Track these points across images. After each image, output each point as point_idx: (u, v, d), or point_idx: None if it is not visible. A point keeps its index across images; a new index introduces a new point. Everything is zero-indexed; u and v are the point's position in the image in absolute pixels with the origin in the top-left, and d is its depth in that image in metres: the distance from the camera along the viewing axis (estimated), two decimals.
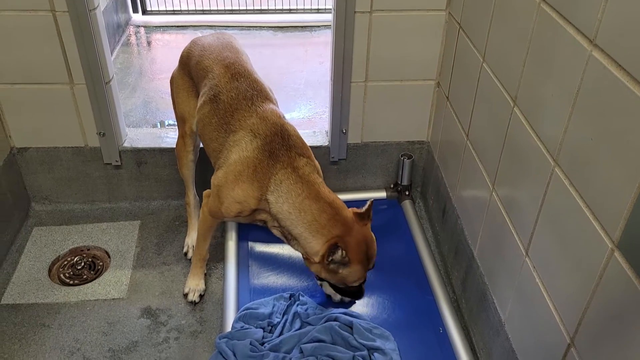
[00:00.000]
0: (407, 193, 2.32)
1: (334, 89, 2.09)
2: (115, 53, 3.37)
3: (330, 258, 1.50)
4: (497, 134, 1.53)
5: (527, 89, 1.35)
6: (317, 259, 1.54)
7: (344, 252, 1.49)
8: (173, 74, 1.99)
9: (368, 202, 1.58)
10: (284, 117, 1.71)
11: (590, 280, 1.07)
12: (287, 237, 1.61)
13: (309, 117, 2.81)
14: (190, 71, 1.88)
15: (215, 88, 1.73)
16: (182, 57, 1.94)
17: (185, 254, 2.08)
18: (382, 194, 2.34)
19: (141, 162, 2.24)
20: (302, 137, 1.69)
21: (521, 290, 1.40)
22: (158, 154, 2.22)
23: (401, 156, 2.26)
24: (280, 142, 1.60)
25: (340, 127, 2.19)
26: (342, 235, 1.52)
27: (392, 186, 2.36)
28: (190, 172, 2.06)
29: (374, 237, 1.60)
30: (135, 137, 2.26)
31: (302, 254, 1.60)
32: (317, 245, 1.53)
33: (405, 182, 2.30)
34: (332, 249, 1.49)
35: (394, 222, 2.22)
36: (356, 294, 1.72)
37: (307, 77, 3.20)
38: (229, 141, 1.65)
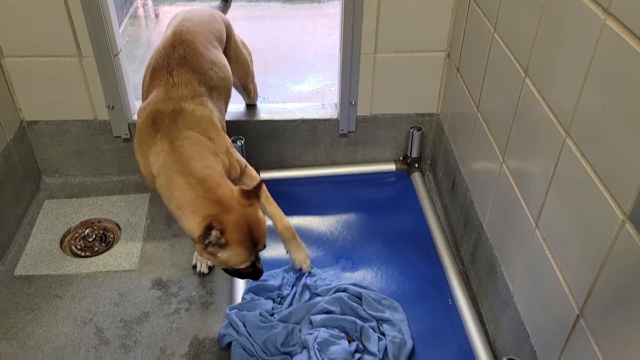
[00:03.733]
0: (416, 165, 2.31)
1: (343, 61, 2.07)
2: (123, 26, 3.35)
3: (207, 240, 1.37)
4: (508, 106, 1.51)
5: (538, 59, 1.33)
6: (195, 239, 1.41)
7: (218, 232, 1.36)
8: None
9: (256, 181, 1.46)
10: (196, 95, 1.58)
11: (600, 251, 1.07)
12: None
13: (317, 89, 2.79)
14: None
15: (155, 53, 1.68)
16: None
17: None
18: (392, 167, 2.34)
19: None
20: (211, 119, 1.58)
21: (530, 261, 1.40)
22: None
23: (410, 128, 2.24)
24: (169, 113, 1.51)
25: (350, 100, 2.17)
26: (217, 215, 1.38)
27: (401, 159, 2.35)
28: None
29: (261, 217, 1.47)
30: None
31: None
32: (191, 224, 1.41)
33: (414, 155, 2.29)
34: (207, 230, 1.35)
35: (403, 194, 2.22)
36: (251, 274, 1.55)
37: (316, 49, 3.17)
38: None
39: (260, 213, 1.48)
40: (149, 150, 1.49)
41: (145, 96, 1.66)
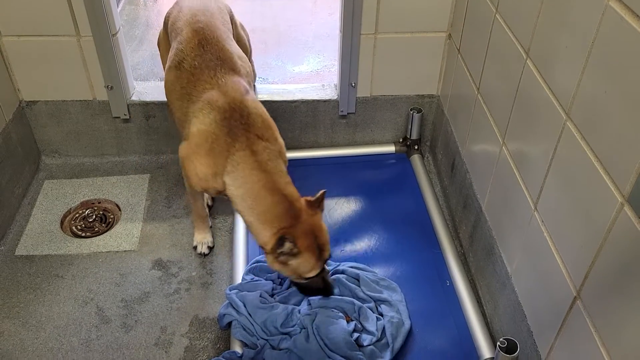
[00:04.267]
0: (416, 147, 2.31)
1: (343, 42, 2.06)
2: (121, 5, 3.32)
3: (280, 250, 1.43)
4: (509, 87, 1.50)
5: (540, 40, 1.32)
6: (267, 250, 1.47)
7: (291, 243, 1.42)
8: (159, 35, 1.96)
9: (320, 192, 1.51)
10: (247, 91, 1.60)
11: (598, 234, 1.08)
12: (246, 223, 1.55)
13: (317, 70, 2.78)
14: (169, 32, 1.81)
15: (180, 53, 1.65)
16: (165, 17, 1.87)
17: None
18: (391, 148, 2.33)
19: (150, 115, 2.24)
20: (265, 115, 1.60)
21: (529, 243, 1.41)
22: (166, 107, 2.21)
23: (410, 110, 2.24)
24: (239, 119, 1.51)
25: (350, 81, 2.16)
26: (289, 227, 1.44)
27: (401, 140, 2.35)
28: None
29: (324, 227, 1.52)
30: (144, 90, 2.25)
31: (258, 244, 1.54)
32: (265, 236, 1.47)
33: (414, 136, 2.29)
34: (280, 241, 1.42)
35: (403, 176, 2.22)
36: (322, 290, 1.60)
37: (316, 30, 3.15)
38: (189, 112, 1.58)
39: (323, 222, 1.53)
40: (224, 158, 1.49)
41: (179, 99, 1.62)
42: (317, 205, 1.51)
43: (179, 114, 1.65)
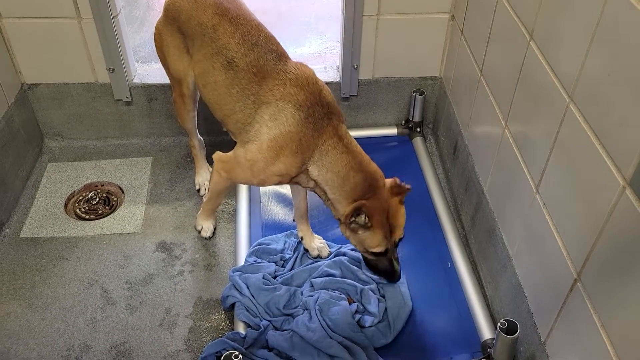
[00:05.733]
0: (418, 130, 2.30)
1: (345, 23, 2.04)
2: None
3: (353, 219, 1.46)
4: (512, 70, 1.50)
5: (544, 22, 1.31)
6: (342, 219, 1.51)
7: (366, 217, 1.45)
8: (158, 29, 1.78)
9: (406, 186, 1.53)
10: (314, 74, 1.55)
11: (599, 216, 1.08)
12: (322, 197, 1.58)
13: (319, 52, 2.76)
14: (180, 27, 1.69)
15: (226, 52, 1.56)
16: (168, 10, 1.72)
17: (198, 190, 2.11)
18: (393, 131, 2.33)
19: (152, 98, 2.23)
20: (332, 94, 1.57)
21: (530, 226, 1.42)
22: (168, 90, 2.21)
23: (413, 92, 2.23)
24: (321, 111, 1.49)
25: (352, 63, 2.15)
26: (368, 200, 1.47)
27: (403, 123, 2.34)
28: (193, 124, 1.99)
29: (402, 210, 1.53)
30: (145, 73, 2.24)
31: (334, 214, 1.57)
32: (344, 207, 1.50)
33: (416, 119, 2.28)
34: (356, 212, 1.45)
35: (405, 158, 2.22)
36: (387, 273, 1.59)
37: (318, 11, 3.12)
38: (260, 114, 1.51)
39: (403, 207, 1.53)
40: (312, 151, 1.48)
41: (239, 101, 1.55)
42: (401, 191, 1.52)
43: (240, 115, 1.56)
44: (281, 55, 1.57)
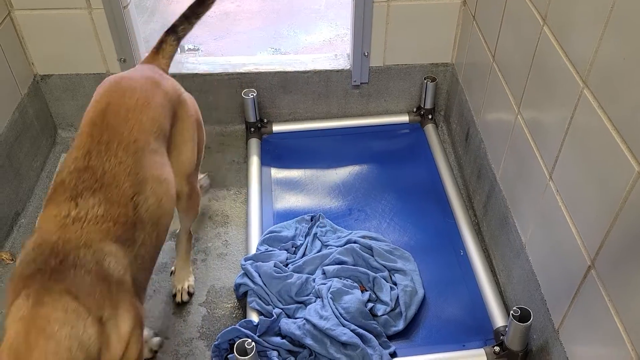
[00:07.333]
0: (430, 117, 2.29)
1: (356, 10, 2.03)
2: None
3: None
4: (525, 55, 1.48)
5: (557, 6, 1.29)
6: None
7: None
8: None
9: None
10: (111, 241, 1.14)
11: (614, 203, 1.07)
12: None
13: (330, 39, 2.75)
14: None
15: (67, 157, 1.25)
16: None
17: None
18: (405, 118, 2.32)
19: None
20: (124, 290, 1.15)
21: (543, 213, 1.41)
22: (179, 80, 2.19)
23: (424, 79, 2.21)
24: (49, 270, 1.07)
25: (362, 50, 2.14)
26: None
27: (414, 110, 2.33)
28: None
29: None
30: None
31: None
32: None
33: (428, 106, 2.27)
34: None
35: (417, 146, 2.21)
36: None
37: None
38: None
39: None
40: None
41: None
42: None
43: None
44: (99, 194, 1.16)
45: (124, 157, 1.20)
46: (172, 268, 1.78)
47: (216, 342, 1.54)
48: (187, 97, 1.50)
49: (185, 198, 1.52)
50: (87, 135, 1.23)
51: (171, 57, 1.57)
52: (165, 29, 1.56)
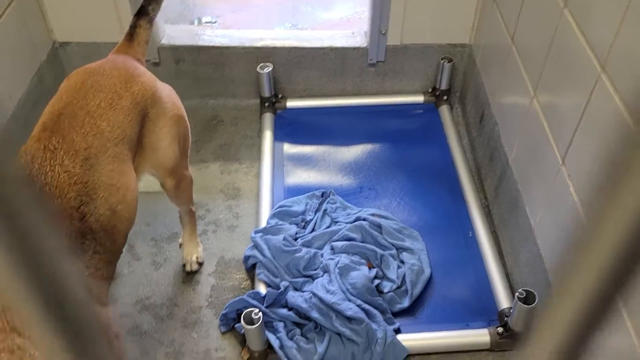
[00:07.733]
0: (445, 98, 2.28)
1: None
2: None
3: None
4: (544, 38, 1.46)
5: None
6: None
7: None
8: None
9: None
10: None
11: None
12: None
13: (347, 17, 2.73)
14: None
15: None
16: None
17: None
18: (420, 98, 2.31)
19: (179, 59, 2.24)
20: None
21: (554, 198, 1.41)
22: (195, 52, 2.22)
23: (441, 59, 2.19)
24: None
25: (380, 28, 2.12)
26: None
27: (430, 90, 2.32)
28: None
29: None
30: (173, 34, 2.25)
31: None
32: None
33: (444, 87, 2.26)
34: None
35: (430, 126, 2.21)
36: None
37: None
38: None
39: None
40: None
41: None
42: None
43: None
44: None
45: (71, 165, 1.12)
46: (180, 240, 1.82)
47: (224, 312, 1.58)
48: (164, 92, 1.39)
49: (171, 189, 1.53)
50: (35, 140, 1.14)
51: (147, 42, 1.49)
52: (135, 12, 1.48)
